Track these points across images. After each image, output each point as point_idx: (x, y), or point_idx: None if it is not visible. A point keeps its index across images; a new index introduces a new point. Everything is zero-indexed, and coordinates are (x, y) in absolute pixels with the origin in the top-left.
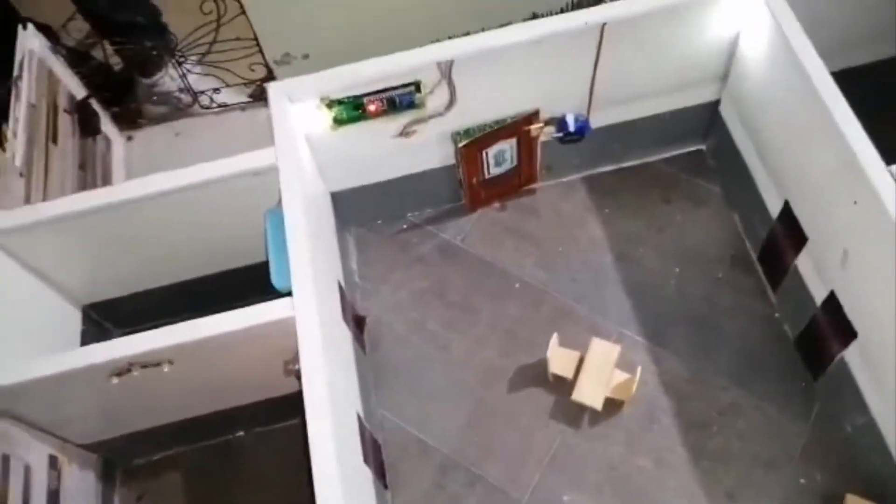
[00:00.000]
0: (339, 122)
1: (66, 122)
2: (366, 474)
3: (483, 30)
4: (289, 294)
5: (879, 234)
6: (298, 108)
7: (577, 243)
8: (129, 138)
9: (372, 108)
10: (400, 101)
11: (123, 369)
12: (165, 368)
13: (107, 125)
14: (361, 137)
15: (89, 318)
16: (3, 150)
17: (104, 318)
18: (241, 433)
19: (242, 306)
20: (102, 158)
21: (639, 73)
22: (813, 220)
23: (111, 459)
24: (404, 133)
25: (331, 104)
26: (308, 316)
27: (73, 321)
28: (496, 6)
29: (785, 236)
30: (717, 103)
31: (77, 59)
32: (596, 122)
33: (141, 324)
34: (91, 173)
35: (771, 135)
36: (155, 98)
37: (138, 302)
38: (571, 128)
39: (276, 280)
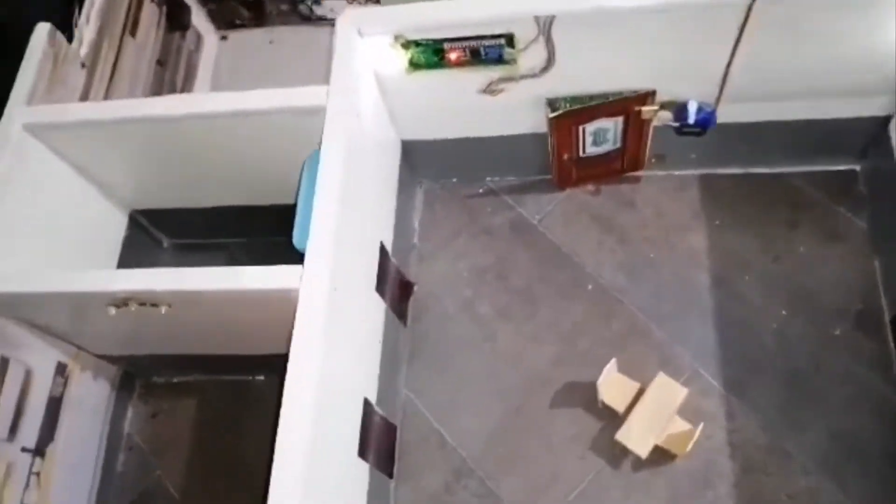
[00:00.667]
0: (415, 65)
1: (150, 13)
2: (360, 467)
3: None
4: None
5: None
6: (369, 43)
7: (672, 252)
8: (224, 38)
9: (453, 56)
10: (486, 53)
11: (121, 302)
12: (163, 310)
13: (200, 20)
14: (440, 86)
15: (138, 224)
16: (72, 37)
17: (155, 227)
18: (262, 377)
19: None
20: (189, 55)
21: (791, 67)
22: None
23: (131, 373)
24: (489, 90)
25: (407, 44)
26: (315, 292)
27: (118, 224)
28: None
29: None
30: (887, 119)
31: None
32: (724, 116)
33: (192, 238)
34: (171, 70)
35: None
36: None
37: (189, 217)
38: (692, 119)
39: (297, 239)
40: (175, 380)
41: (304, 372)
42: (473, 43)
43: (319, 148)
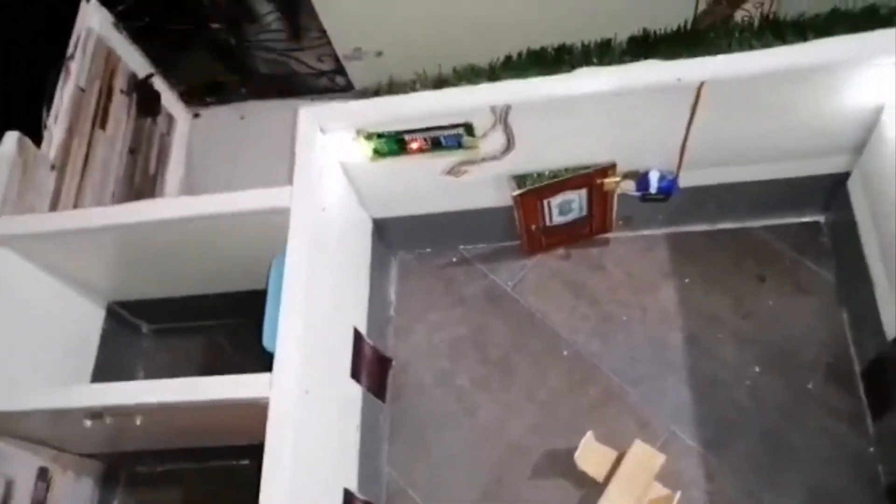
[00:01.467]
0: (379, 153)
1: (119, 105)
2: None
3: (582, 44)
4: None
5: None
6: (332, 137)
7: (644, 314)
8: (196, 116)
9: (414, 145)
10: (446, 141)
11: (97, 414)
12: (137, 421)
13: (171, 103)
14: (405, 171)
15: (116, 315)
16: (40, 140)
17: (134, 316)
18: (246, 461)
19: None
20: (161, 139)
21: (746, 136)
22: None
23: (114, 465)
24: (453, 172)
25: (369, 136)
26: (284, 399)
27: (95, 318)
28: (601, 17)
29: None
30: (846, 175)
31: (147, 32)
32: (687, 181)
33: (172, 323)
34: (144, 157)
35: None
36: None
37: (167, 305)
38: (653, 189)
39: (266, 340)
40: (160, 468)
41: (278, 477)
42: (433, 133)
43: (286, 246)
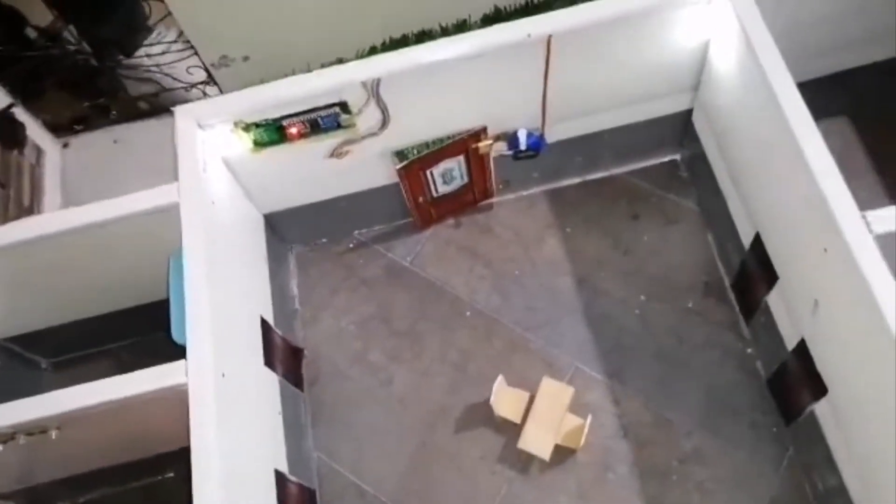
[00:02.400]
0: (258, 144)
1: None
2: None
3: (441, 27)
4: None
5: (850, 289)
6: (210, 133)
7: (534, 266)
8: (66, 145)
9: (293, 130)
10: (324, 122)
11: (7, 437)
12: (53, 435)
13: (38, 134)
14: (288, 159)
15: (9, 352)
16: None
17: (29, 351)
18: (171, 474)
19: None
20: (31, 171)
21: (597, 85)
22: (783, 260)
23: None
24: (336, 154)
25: (247, 127)
26: (202, 382)
27: None
28: (453, 1)
29: (756, 270)
30: (689, 112)
31: (2, 62)
32: (553, 136)
33: (72, 352)
34: (16, 189)
35: (741, 157)
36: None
37: (64, 332)
38: (523, 146)
39: (175, 333)
40: (81, 500)
41: (208, 460)
42: (310, 115)
43: (181, 243)
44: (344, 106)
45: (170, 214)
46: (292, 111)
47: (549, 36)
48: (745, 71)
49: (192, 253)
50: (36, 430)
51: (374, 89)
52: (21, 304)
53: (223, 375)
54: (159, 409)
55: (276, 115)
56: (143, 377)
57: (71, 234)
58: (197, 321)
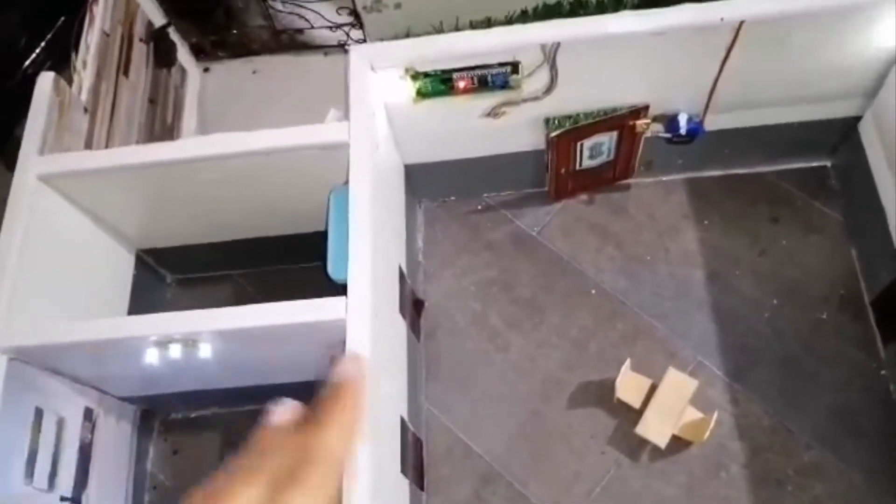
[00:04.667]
0: (422, 94)
1: (140, 53)
2: (402, 483)
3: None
4: (344, 285)
5: None
6: (380, 76)
7: (667, 253)
8: (206, 70)
9: (461, 84)
10: (493, 80)
11: (162, 344)
12: (203, 350)
13: (183, 56)
14: (445, 113)
15: (143, 263)
16: (71, 82)
17: (159, 265)
18: None
19: (300, 269)
20: (175, 91)
21: (772, 78)
22: None
23: (150, 411)
24: (493, 114)
25: (416, 75)
26: (360, 321)
27: (127, 265)
28: None
29: None
30: (856, 119)
31: None
32: (711, 124)
33: (196, 272)
34: (162, 107)
35: None
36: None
37: (194, 253)
38: (683, 130)
39: (332, 270)
40: (193, 415)
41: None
42: (481, 72)
43: (344, 182)
44: (515, 66)
45: (332, 153)
46: (466, 65)
47: (742, 22)
48: None
49: (359, 194)
50: (191, 342)
51: (551, 53)
52: (162, 220)
53: (376, 316)
54: (304, 342)
55: (448, 66)
56: (305, 307)
57: (232, 158)
58: (359, 261)
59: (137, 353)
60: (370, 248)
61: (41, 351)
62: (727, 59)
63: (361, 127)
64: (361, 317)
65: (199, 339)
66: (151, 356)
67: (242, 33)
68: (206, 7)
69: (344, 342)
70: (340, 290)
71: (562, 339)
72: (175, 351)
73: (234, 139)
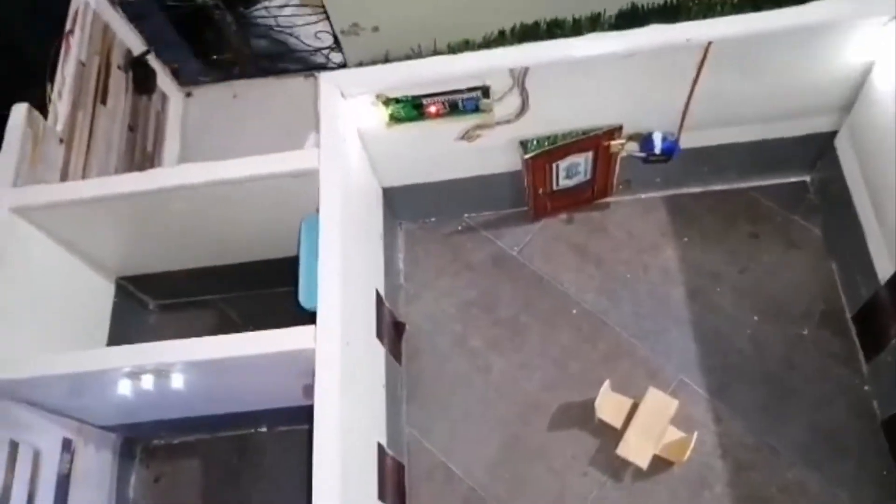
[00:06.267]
0: (395, 119)
1: (118, 80)
2: None
3: (573, 18)
4: (314, 314)
5: None
6: (351, 103)
7: (646, 271)
8: (189, 94)
9: (432, 109)
10: (464, 105)
11: (135, 375)
12: (175, 380)
13: (165, 81)
14: (420, 137)
15: (124, 290)
16: (46, 113)
17: (141, 291)
18: (263, 429)
19: (283, 294)
20: (157, 117)
21: (745, 96)
22: None
23: (132, 438)
24: (467, 137)
25: (387, 101)
26: (329, 349)
27: (106, 293)
28: None
29: (892, 306)
30: (832, 135)
31: (141, 9)
32: (686, 142)
33: (179, 298)
34: (142, 134)
35: (893, 187)
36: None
37: (175, 279)
38: (657, 149)
39: (303, 298)
40: (175, 441)
41: (329, 428)
42: (451, 96)
43: (316, 210)
44: (486, 90)
45: (303, 179)
46: (436, 90)
47: (710, 43)
48: None
49: (329, 222)
50: (163, 371)
51: (520, 78)
52: (142, 247)
53: (347, 343)
54: (277, 369)
55: (419, 92)
56: (273, 338)
57: (204, 188)
58: (329, 289)
59: (109, 384)
60: (340, 275)
61: (12, 385)
62: (698, 78)
63: (331, 154)
64: (331, 346)
65: (171, 369)
66: (124, 387)
67: (226, 56)
68: (189, 35)
69: (314, 371)
70: (314, 317)
71: (543, 360)
72: (147, 382)
73: (205, 169)
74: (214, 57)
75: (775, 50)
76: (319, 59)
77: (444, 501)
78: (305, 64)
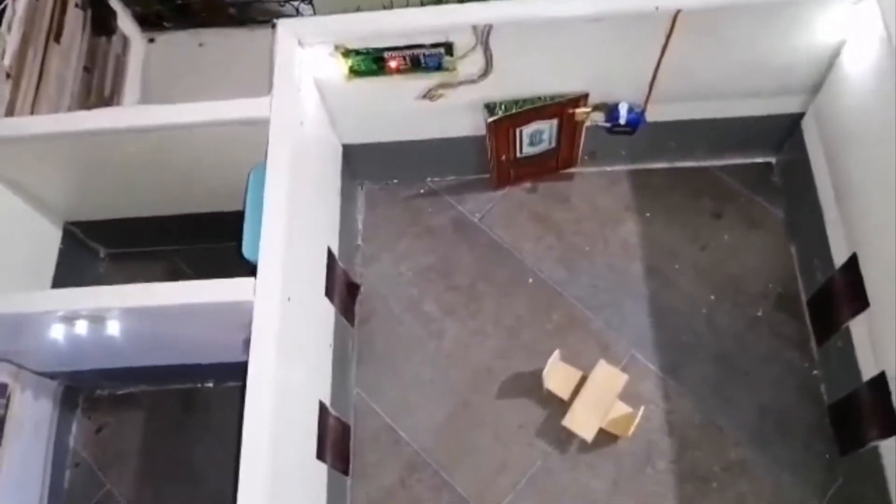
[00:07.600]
0: (355, 72)
1: (75, 19)
2: (319, 469)
3: None
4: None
5: None
6: (309, 52)
7: (606, 245)
8: (151, 40)
9: (393, 64)
10: (426, 61)
11: (68, 321)
12: (110, 326)
13: (127, 24)
14: (380, 93)
15: (72, 236)
16: None
17: (90, 238)
18: (210, 384)
19: (229, 249)
20: (116, 60)
21: (713, 70)
22: (881, 289)
23: (73, 387)
24: (429, 96)
25: (347, 53)
26: (269, 304)
27: (52, 237)
28: None
29: (844, 292)
30: (800, 116)
31: None
32: (653, 115)
33: (130, 247)
34: (99, 77)
35: (854, 172)
36: None
37: (125, 227)
38: (622, 120)
39: (247, 250)
40: (119, 392)
41: (263, 383)
42: (413, 51)
43: (265, 160)
44: (449, 48)
45: (256, 128)
46: (397, 44)
47: (678, 11)
48: (883, 81)
49: (276, 172)
50: (98, 318)
51: (484, 35)
52: (91, 191)
53: (288, 299)
54: (217, 322)
55: (380, 45)
56: (213, 288)
57: (155, 131)
58: (271, 242)
59: (42, 328)
60: (285, 228)
61: None
62: (666, 48)
63: (284, 103)
64: (270, 299)
65: (106, 315)
66: (57, 332)
67: (193, 1)
68: None
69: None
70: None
71: (496, 328)
72: (82, 327)
73: (155, 112)
74: (179, 1)
75: (745, 23)
76: (289, 11)
77: (388, 464)
78: (276, 16)
